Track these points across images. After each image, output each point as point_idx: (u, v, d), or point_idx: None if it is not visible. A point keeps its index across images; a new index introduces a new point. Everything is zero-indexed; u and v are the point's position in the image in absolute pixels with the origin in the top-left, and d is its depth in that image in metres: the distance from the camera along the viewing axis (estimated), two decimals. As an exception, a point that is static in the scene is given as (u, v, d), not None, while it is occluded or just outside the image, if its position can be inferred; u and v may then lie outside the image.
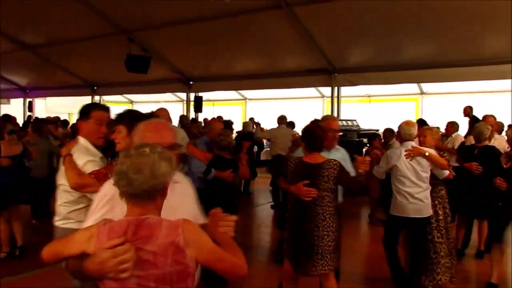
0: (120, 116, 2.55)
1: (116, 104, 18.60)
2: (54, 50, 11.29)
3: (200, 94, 11.93)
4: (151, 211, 1.54)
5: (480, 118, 7.55)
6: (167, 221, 1.53)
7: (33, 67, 13.20)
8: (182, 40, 9.39)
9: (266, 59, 9.68)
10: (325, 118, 4.25)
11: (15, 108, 16.09)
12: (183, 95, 14.14)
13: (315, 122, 4.04)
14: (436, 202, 4.24)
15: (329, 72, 8.97)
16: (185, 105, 13.55)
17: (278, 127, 9.61)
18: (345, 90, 10.10)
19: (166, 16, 8.51)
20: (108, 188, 1.77)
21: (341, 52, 8.60)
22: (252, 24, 8.04)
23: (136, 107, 18.33)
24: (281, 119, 9.67)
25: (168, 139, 1.85)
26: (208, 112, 12.94)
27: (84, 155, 2.61)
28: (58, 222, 2.67)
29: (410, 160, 4.17)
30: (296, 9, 7.25)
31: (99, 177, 2.34)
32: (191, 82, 11.56)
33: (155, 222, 1.52)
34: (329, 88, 9.42)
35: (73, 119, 15.49)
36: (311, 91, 13.63)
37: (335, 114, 9.44)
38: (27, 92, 15.69)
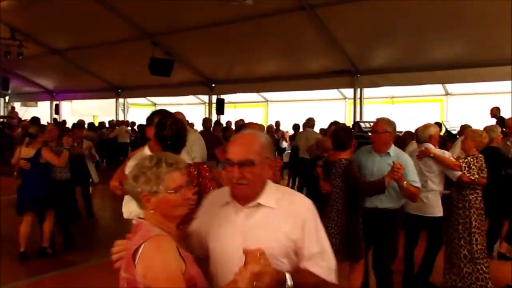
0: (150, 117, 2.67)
1: (140, 107, 18.90)
2: (81, 54, 11.58)
3: (222, 96, 12.00)
4: (146, 216, 1.60)
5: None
6: (143, 231, 1.52)
7: (60, 71, 13.56)
8: (205, 43, 9.48)
9: (288, 61, 9.69)
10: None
11: (43, 111, 16.52)
12: (205, 98, 14.26)
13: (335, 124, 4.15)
14: (461, 205, 4.16)
15: (352, 74, 8.92)
16: (207, 107, 13.66)
17: (303, 130, 9.58)
18: (367, 92, 10.01)
19: (189, 20, 8.63)
20: None
21: (364, 53, 8.54)
22: (275, 27, 8.07)
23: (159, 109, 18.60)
24: (308, 121, 9.63)
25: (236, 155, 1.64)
26: (230, 115, 12.99)
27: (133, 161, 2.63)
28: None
29: (419, 161, 4.23)
30: (319, 10, 7.25)
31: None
32: (213, 85, 11.67)
33: (137, 225, 1.59)
34: (352, 90, 9.37)
35: (97, 121, 15.83)
36: (333, 92, 13.53)
37: (358, 116, 9.38)
38: (54, 95, 16.11)
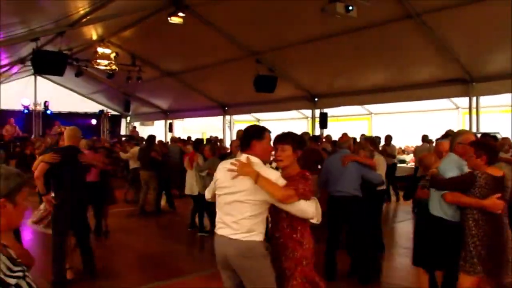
0: (284, 135, 2.93)
1: (244, 123, 19.58)
2: (191, 76, 12.42)
3: (325, 110, 11.96)
4: None
5: None
6: None
7: (173, 92, 14.69)
8: (307, 58, 9.59)
9: (394, 71, 9.36)
10: (461, 132, 4.02)
11: (158, 129, 17.95)
12: (308, 112, 14.33)
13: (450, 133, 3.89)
14: None
15: (466, 81, 8.33)
16: (310, 122, 13.70)
17: (422, 145, 9.23)
18: (484, 100, 9.26)
19: (292, 36, 8.81)
20: None
21: (480, 59, 7.94)
22: (379, 37, 7.88)
23: (262, 125, 19.08)
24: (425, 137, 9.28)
25: None
26: (333, 128, 12.87)
27: (270, 171, 2.81)
28: (240, 235, 2.77)
29: None
30: (427, 17, 6.93)
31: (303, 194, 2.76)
32: (316, 99, 11.69)
33: None
34: (466, 99, 8.74)
35: (205, 137, 16.74)
36: (443, 102, 12.73)
37: (474, 126, 8.70)
38: (168, 114, 17.45)
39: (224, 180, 2.84)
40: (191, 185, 7.39)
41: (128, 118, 20.25)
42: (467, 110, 8.93)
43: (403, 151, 14.37)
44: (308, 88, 11.40)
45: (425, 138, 9.46)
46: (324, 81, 11.04)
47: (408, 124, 14.34)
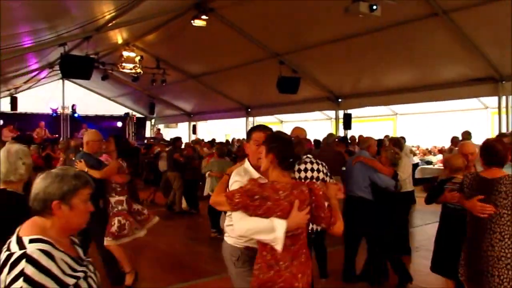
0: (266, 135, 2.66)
1: (267, 124, 19.55)
2: (214, 78, 12.49)
3: (349, 111, 11.83)
4: None
5: None
6: None
7: (197, 94, 14.81)
8: (331, 58, 9.52)
9: (419, 70, 9.18)
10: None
11: (182, 131, 18.14)
12: (331, 113, 14.21)
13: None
14: None
15: (495, 80, 8.09)
16: (333, 123, 13.58)
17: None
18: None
19: (315, 37, 8.77)
20: None
21: (510, 57, 7.68)
22: (404, 36, 7.75)
23: (285, 126, 18.99)
24: (466, 134, 9.04)
25: None
26: (357, 130, 12.72)
27: (235, 175, 2.70)
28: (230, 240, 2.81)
29: None
30: (455, 15, 6.77)
31: (228, 196, 2.37)
32: (339, 100, 11.58)
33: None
34: (495, 98, 8.48)
35: (229, 139, 16.82)
36: (471, 102, 12.42)
37: (504, 127, 8.44)
38: (192, 116, 17.60)
39: None
40: (206, 186, 7.69)
41: (153, 121, 20.52)
42: (497, 110, 8.68)
43: (429, 152, 14.11)
44: (332, 89, 11.30)
45: (468, 136, 9.12)
46: (348, 82, 10.92)
47: (435, 124, 14.07)
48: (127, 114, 19.71)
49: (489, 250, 3.08)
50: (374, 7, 5.83)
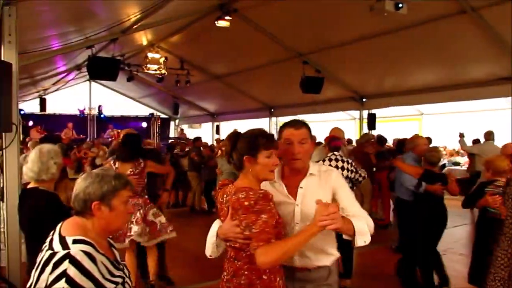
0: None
1: (290, 125, 19.49)
2: (238, 78, 12.52)
3: (373, 111, 11.68)
4: None
5: None
6: None
7: (220, 95, 14.88)
8: (355, 58, 9.41)
9: (447, 69, 8.98)
10: None
11: (205, 132, 18.27)
12: (355, 113, 14.06)
13: None
14: None
15: (526, 79, 7.85)
16: (357, 123, 13.44)
17: (485, 142, 8.85)
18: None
19: (338, 36, 8.69)
20: None
21: (542, 55, 7.46)
22: (431, 34, 7.59)
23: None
24: (488, 135, 8.88)
25: None
26: (382, 130, 12.56)
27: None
28: None
29: None
30: (485, 12, 6.59)
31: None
32: (364, 99, 11.45)
33: None
34: (525, 97, 8.23)
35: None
36: (500, 102, 12.09)
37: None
38: (215, 117, 17.70)
39: None
40: None
41: (177, 121, 20.73)
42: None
43: (457, 153, 13.82)
44: (356, 89, 11.19)
45: (490, 136, 8.96)
46: (373, 81, 10.78)
47: (462, 124, 13.75)
48: (151, 114, 19.99)
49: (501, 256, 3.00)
50: (400, 5, 5.74)
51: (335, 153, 4.69)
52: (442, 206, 4.69)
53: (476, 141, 10.09)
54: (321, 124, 16.76)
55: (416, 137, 5.85)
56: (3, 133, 3.82)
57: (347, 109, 13.74)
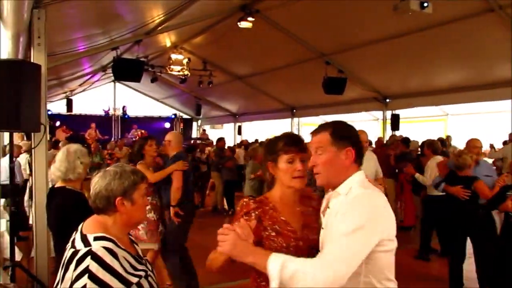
0: None
1: (312, 125, 19.39)
2: (260, 79, 12.54)
3: (397, 111, 11.52)
4: None
5: None
6: None
7: (242, 95, 14.93)
8: (378, 58, 9.30)
9: (473, 69, 8.79)
10: None
11: (227, 132, 18.35)
12: (378, 114, 13.89)
13: None
14: None
15: (556, 79, 7.62)
16: (380, 123, 13.27)
17: (510, 144, 8.68)
18: None
19: (361, 36, 8.61)
20: None
21: None
22: (457, 33, 7.44)
23: (331, 127, 18.80)
24: None
25: None
26: (406, 131, 12.36)
27: None
28: None
29: None
30: (512, 10, 6.43)
31: None
32: (387, 100, 11.31)
33: None
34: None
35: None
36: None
37: None
38: (237, 117, 17.76)
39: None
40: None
41: (199, 122, 20.90)
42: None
43: (484, 154, 13.49)
44: (379, 89, 11.05)
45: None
46: (396, 81, 10.64)
47: (489, 125, 13.43)
48: (174, 115, 20.21)
49: None
50: (425, 4, 5.64)
51: None
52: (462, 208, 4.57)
53: (505, 143, 9.86)
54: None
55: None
56: (32, 133, 3.93)
57: (370, 109, 13.58)
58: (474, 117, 13.98)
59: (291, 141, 1.97)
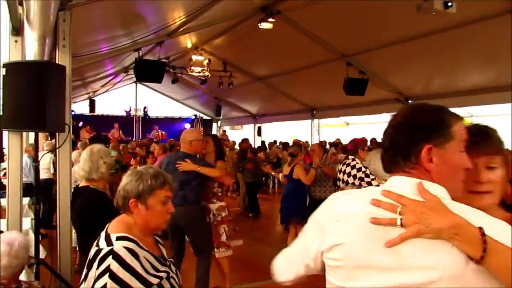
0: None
1: (332, 126, 19.30)
2: (280, 80, 12.52)
3: (420, 113, 11.32)
4: None
5: None
6: None
7: (262, 96, 14.91)
8: (400, 59, 9.18)
9: (498, 70, 8.56)
10: None
11: (247, 133, 18.39)
12: (400, 115, 13.69)
13: None
14: None
15: None
16: (402, 125, 13.06)
17: None
18: None
19: (383, 37, 8.51)
20: None
21: None
22: (482, 33, 7.28)
23: (352, 128, 18.62)
24: None
25: None
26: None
27: None
28: None
29: None
30: (540, 9, 6.26)
31: None
32: (409, 101, 11.14)
33: None
34: None
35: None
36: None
37: None
38: (257, 118, 17.78)
39: (364, 248, 1.18)
40: None
41: (219, 122, 20.99)
42: None
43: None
44: (401, 90, 10.90)
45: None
46: (419, 82, 10.47)
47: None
48: (195, 116, 20.35)
49: None
50: (450, 3, 5.54)
51: (350, 156, 4.71)
52: None
53: None
54: (365, 126, 16.51)
55: None
56: (57, 133, 4.00)
57: (391, 111, 13.31)
58: (500, 119, 13.66)
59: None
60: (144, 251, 1.71)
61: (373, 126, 16.21)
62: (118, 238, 1.70)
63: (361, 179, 4.75)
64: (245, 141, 10.55)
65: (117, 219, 1.85)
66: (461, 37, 7.54)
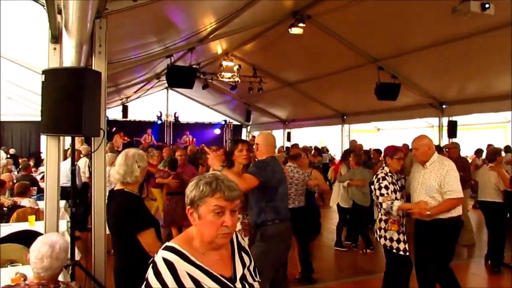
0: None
1: (363, 132, 19.01)
2: (310, 85, 12.47)
3: (454, 118, 11.04)
4: None
5: None
6: None
7: (292, 102, 14.90)
8: (434, 63, 8.98)
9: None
10: None
11: (277, 138, 18.34)
12: (433, 120, 13.38)
13: None
14: None
15: None
16: (436, 130, 12.77)
17: None
18: None
19: (416, 41, 8.36)
20: None
21: None
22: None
23: (383, 134, 18.30)
24: None
25: None
26: (462, 138, 11.80)
27: None
28: None
29: None
30: None
31: None
32: (443, 106, 10.87)
33: None
34: None
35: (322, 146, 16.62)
36: None
37: None
38: (286, 123, 17.74)
39: None
40: (333, 196, 7.56)
41: (248, 128, 21.06)
42: None
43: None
44: (435, 95, 10.66)
45: None
46: (453, 87, 10.21)
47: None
48: (225, 121, 20.50)
49: None
50: (487, 5, 5.37)
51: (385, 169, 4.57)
52: None
53: None
54: (396, 132, 16.20)
55: None
56: (92, 138, 4.10)
57: (425, 116, 13.10)
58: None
59: None
60: (191, 266, 1.61)
61: (406, 131, 15.89)
62: (164, 248, 1.66)
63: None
64: (294, 146, 10.48)
65: (186, 229, 1.78)
66: (499, 39, 7.31)
